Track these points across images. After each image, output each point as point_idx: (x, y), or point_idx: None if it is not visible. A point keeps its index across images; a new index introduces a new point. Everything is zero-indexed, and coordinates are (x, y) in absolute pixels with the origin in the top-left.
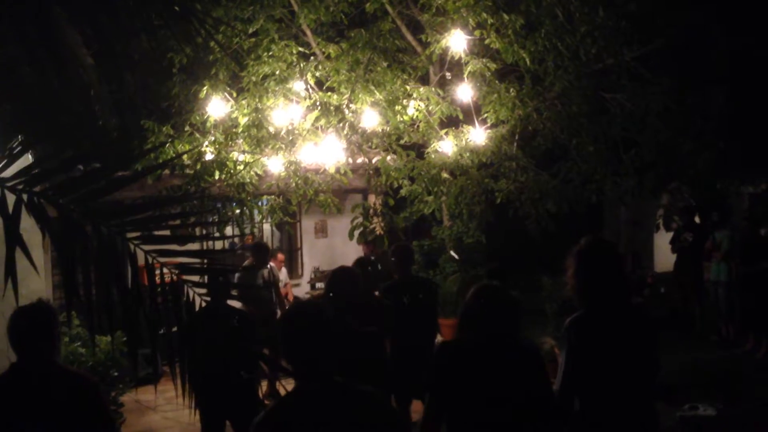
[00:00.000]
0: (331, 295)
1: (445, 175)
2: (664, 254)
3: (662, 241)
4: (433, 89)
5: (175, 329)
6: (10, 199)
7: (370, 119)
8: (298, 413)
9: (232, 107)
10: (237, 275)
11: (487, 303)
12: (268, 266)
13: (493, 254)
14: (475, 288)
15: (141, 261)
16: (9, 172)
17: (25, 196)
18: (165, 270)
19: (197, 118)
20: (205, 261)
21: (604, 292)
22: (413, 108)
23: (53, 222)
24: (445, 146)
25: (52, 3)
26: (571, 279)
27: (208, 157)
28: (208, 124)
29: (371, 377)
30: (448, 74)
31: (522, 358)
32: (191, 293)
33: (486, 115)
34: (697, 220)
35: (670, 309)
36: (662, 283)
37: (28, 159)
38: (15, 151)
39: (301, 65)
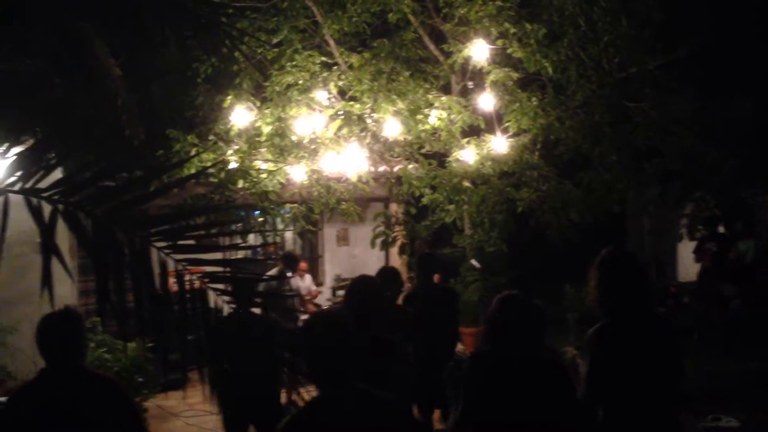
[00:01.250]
0: (350, 303)
1: (466, 184)
2: (687, 264)
3: (686, 250)
4: (455, 98)
5: (202, 335)
6: (46, 209)
7: (392, 128)
8: (321, 420)
9: (255, 116)
10: (263, 283)
11: (511, 313)
12: (295, 276)
13: (514, 263)
14: (499, 298)
15: (168, 269)
16: (44, 183)
17: (60, 207)
18: (192, 277)
19: (221, 127)
20: (230, 270)
21: (626, 302)
22: (435, 117)
23: (87, 231)
24: (467, 155)
25: (80, 16)
26: (594, 290)
27: (232, 165)
28: (232, 133)
29: (393, 386)
30: (470, 83)
31: (548, 370)
32: (218, 300)
33: (508, 124)
34: (721, 229)
35: (694, 319)
36: (686, 293)
37: (61, 170)
38: (51, 162)
39: (324, 75)
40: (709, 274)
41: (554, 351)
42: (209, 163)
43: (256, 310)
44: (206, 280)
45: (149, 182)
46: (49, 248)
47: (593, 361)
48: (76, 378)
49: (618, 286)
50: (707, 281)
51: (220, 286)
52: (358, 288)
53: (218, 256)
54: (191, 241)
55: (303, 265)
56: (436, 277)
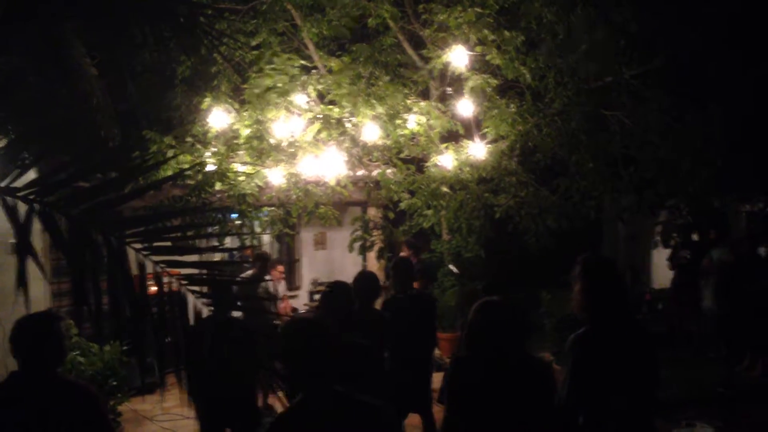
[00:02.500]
0: (325, 308)
1: (444, 189)
2: (662, 271)
3: (660, 257)
4: (433, 104)
5: (178, 338)
6: (21, 209)
7: (371, 133)
8: (303, 423)
9: (233, 119)
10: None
11: (491, 319)
12: (270, 279)
13: (491, 269)
14: (478, 304)
15: (137, 270)
16: (19, 183)
17: (36, 206)
18: (168, 280)
19: (199, 129)
20: (208, 272)
21: (609, 308)
22: (414, 122)
23: (63, 232)
24: (445, 160)
25: (58, 14)
26: (578, 296)
27: (210, 168)
28: (210, 135)
29: (369, 390)
30: (448, 89)
31: (532, 373)
32: (195, 303)
33: (486, 130)
34: (695, 237)
35: (668, 326)
36: (660, 300)
37: (36, 170)
38: (26, 162)
39: (303, 78)
40: (682, 282)
41: (539, 358)
42: (186, 165)
43: (234, 313)
44: (184, 282)
45: (125, 183)
46: (24, 248)
47: (575, 366)
48: (46, 383)
49: (602, 292)
50: (681, 288)
51: (198, 288)
52: (332, 293)
53: (195, 258)
54: (168, 243)
55: (280, 268)
56: (415, 284)
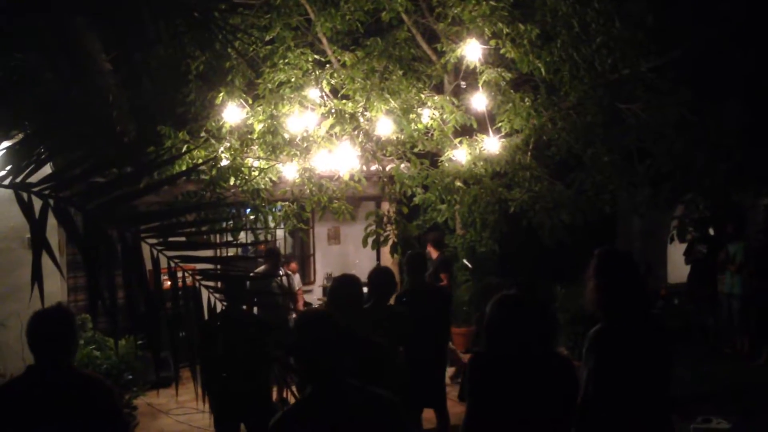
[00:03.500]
0: (332, 302)
1: (458, 183)
2: (677, 266)
3: (676, 252)
4: (447, 98)
5: (193, 333)
6: (36, 204)
7: (385, 127)
8: (312, 415)
9: (247, 114)
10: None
11: (510, 313)
12: (285, 274)
13: (505, 264)
14: (496, 298)
15: (160, 267)
16: (35, 178)
17: (51, 201)
18: (183, 274)
19: (213, 124)
20: (222, 267)
21: (626, 304)
22: (428, 116)
23: (78, 227)
24: (459, 155)
25: (73, 11)
26: (593, 293)
27: (224, 163)
28: (224, 131)
29: (381, 385)
30: (462, 83)
31: (553, 368)
32: (210, 298)
33: (500, 124)
34: (711, 232)
35: (684, 321)
36: (676, 295)
37: (51, 165)
38: (42, 157)
39: (317, 73)
40: (698, 276)
41: (561, 354)
42: (200, 161)
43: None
44: (198, 277)
45: (140, 178)
46: (39, 243)
47: (598, 362)
48: (63, 376)
49: (619, 286)
50: (696, 283)
51: (212, 283)
52: (340, 287)
53: (210, 253)
54: (182, 238)
55: (293, 265)
56: (443, 277)
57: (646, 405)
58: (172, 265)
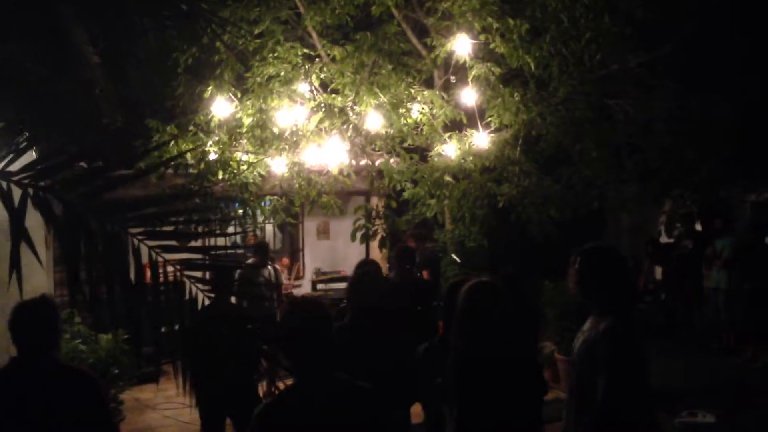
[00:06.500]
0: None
1: (447, 178)
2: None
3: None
4: (437, 93)
5: (177, 327)
6: (16, 193)
7: (374, 122)
8: (298, 406)
9: (236, 107)
10: (238, 273)
11: (482, 304)
12: (272, 267)
13: (493, 258)
14: (468, 287)
15: (144, 259)
16: (15, 167)
17: (31, 191)
18: (168, 267)
19: (201, 117)
20: (208, 258)
21: (628, 300)
22: (417, 111)
23: (58, 217)
24: (449, 150)
25: (59, 0)
26: (586, 282)
27: (212, 156)
28: (213, 124)
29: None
30: (452, 78)
31: (523, 364)
32: (194, 290)
33: (490, 119)
34: (698, 227)
35: (671, 316)
36: (663, 290)
37: (32, 155)
38: (21, 146)
39: (306, 67)
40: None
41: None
42: (188, 153)
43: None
44: (181, 267)
45: (124, 167)
46: (18, 234)
47: (616, 359)
48: (47, 369)
49: (621, 283)
50: (679, 278)
51: (196, 274)
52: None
53: (197, 245)
54: (166, 228)
55: (285, 261)
56: (424, 273)
57: (643, 398)
58: (156, 257)
